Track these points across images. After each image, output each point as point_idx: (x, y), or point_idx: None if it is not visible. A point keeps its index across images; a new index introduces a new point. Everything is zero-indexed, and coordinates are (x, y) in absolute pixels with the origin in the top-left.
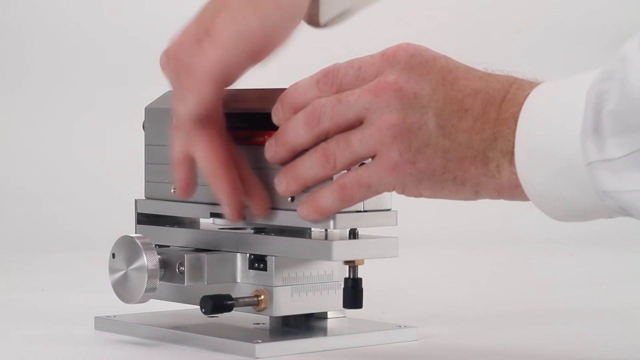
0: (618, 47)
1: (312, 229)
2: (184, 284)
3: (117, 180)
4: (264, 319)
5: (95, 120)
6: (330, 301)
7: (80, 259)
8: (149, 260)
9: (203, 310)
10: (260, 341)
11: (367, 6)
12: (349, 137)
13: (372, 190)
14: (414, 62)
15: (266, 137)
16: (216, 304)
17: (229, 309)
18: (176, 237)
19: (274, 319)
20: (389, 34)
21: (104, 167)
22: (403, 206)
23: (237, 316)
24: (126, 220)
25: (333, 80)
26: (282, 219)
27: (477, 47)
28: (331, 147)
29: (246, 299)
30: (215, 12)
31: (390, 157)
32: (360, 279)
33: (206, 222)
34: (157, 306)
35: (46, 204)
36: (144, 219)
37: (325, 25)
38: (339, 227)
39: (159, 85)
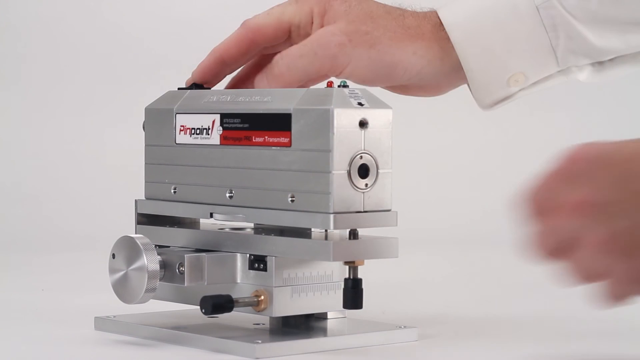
0: None
1: (312, 229)
2: (184, 284)
3: (117, 181)
4: (263, 320)
5: (95, 120)
6: (330, 301)
7: (80, 259)
8: (149, 260)
9: (203, 310)
10: (260, 341)
11: (537, 91)
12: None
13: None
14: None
15: (266, 137)
16: (216, 304)
17: (229, 309)
18: (176, 237)
19: (274, 320)
20: None
21: (103, 167)
22: (403, 206)
23: (237, 316)
24: (126, 221)
25: None
26: (282, 219)
27: None
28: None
29: (246, 300)
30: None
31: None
32: (360, 280)
33: (206, 222)
34: (157, 306)
35: (46, 203)
36: (144, 219)
37: (487, 108)
38: (339, 227)
39: (159, 85)
